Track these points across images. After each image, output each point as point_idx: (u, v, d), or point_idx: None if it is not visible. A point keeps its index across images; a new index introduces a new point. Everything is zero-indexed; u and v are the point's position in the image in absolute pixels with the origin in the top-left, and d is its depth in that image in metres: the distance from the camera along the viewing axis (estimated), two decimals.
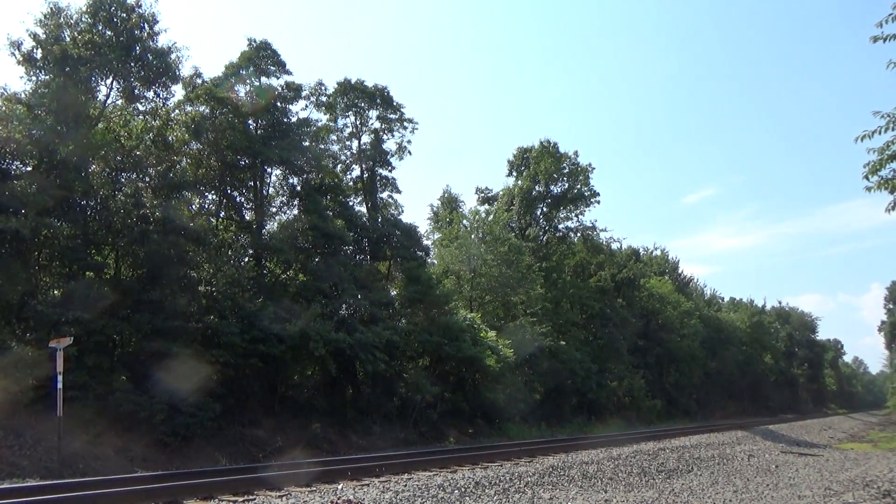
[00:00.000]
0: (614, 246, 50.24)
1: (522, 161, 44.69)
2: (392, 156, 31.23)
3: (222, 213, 24.95)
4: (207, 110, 23.28)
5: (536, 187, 43.26)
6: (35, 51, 19.53)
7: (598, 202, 43.87)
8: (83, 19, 20.18)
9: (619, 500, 11.63)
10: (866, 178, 10.86)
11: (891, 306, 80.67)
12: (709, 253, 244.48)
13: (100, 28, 20.25)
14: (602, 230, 46.45)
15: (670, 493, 12.77)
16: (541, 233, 43.76)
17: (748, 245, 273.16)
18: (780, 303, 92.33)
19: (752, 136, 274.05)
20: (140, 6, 20.88)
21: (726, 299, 79.65)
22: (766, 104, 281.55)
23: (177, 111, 22.88)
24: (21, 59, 19.47)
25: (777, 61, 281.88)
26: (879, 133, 10.47)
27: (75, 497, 9.18)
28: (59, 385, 13.92)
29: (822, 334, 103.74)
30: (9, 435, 14.52)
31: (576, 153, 43.86)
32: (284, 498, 10.00)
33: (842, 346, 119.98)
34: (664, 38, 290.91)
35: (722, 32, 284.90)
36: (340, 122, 30.60)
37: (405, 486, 11.30)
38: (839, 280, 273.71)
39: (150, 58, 20.94)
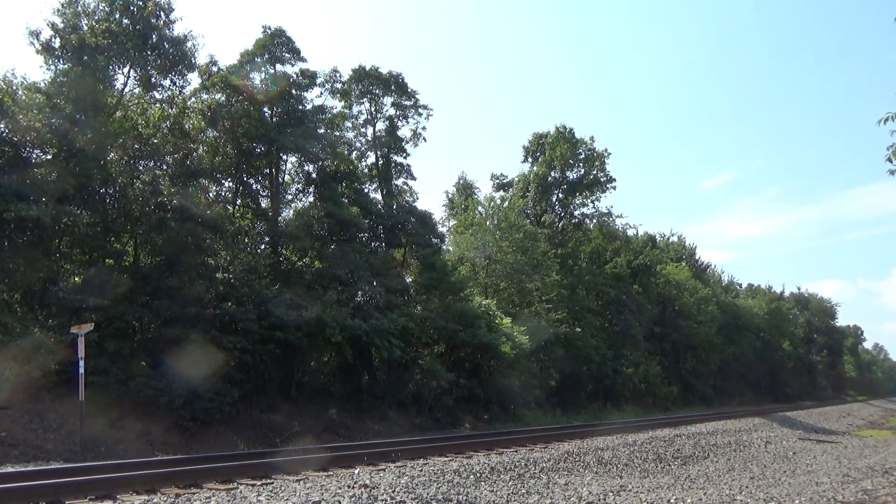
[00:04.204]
0: (630, 232, 49.90)
1: (538, 147, 44.41)
2: (407, 142, 31.18)
3: (238, 201, 25.14)
4: (223, 98, 23.38)
5: (552, 173, 42.97)
6: (53, 40, 19.73)
7: (615, 188, 43.65)
8: (100, 8, 20.37)
9: (635, 486, 11.62)
10: (889, 160, 10.66)
11: None
12: (726, 239, 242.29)
13: (116, 17, 20.41)
14: (618, 216, 46.33)
15: (686, 480, 12.75)
16: (556, 219, 43.54)
17: (766, 230, 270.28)
18: (798, 289, 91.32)
19: (772, 118, 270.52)
20: None
21: (744, 285, 78.91)
22: (785, 86, 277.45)
23: (193, 99, 23.03)
24: (40, 48, 19.69)
25: (796, 42, 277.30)
26: None
27: (98, 480, 9.34)
28: (81, 370, 14.15)
29: (842, 320, 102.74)
30: (32, 419, 14.82)
31: (591, 138, 43.58)
32: (302, 482, 10.11)
33: (862, 332, 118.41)
34: (680, 21, 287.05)
35: (739, 14, 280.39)
36: (355, 108, 30.59)
37: (421, 471, 11.38)
38: (860, 265, 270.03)
39: (167, 46, 21.07)
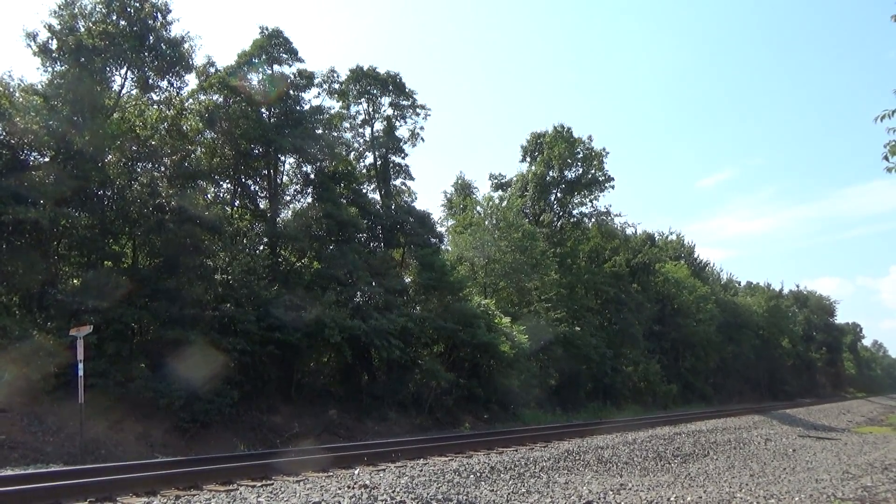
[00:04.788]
0: (629, 231, 50.01)
1: (536, 146, 44.45)
2: (405, 143, 31.24)
3: (237, 202, 25.13)
4: (221, 99, 23.37)
5: (550, 173, 43.02)
6: (50, 42, 19.72)
7: (613, 187, 43.80)
8: (97, 10, 20.33)
9: (635, 484, 11.62)
10: (886, 158, 10.66)
11: None
12: (725, 237, 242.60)
13: (113, 18, 20.39)
14: (616, 215, 46.54)
15: (686, 478, 12.74)
16: (555, 218, 43.59)
17: (765, 228, 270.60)
18: (797, 286, 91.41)
19: (770, 117, 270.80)
20: None
21: (743, 283, 79.00)
22: (783, 84, 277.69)
23: (191, 100, 23.01)
24: (37, 50, 19.67)
25: (794, 41, 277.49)
26: None
27: (98, 482, 9.34)
28: (81, 372, 14.13)
29: (841, 318, 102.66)
30: (32, 421, 14.80)
31: (590, 138, 43.68)
32: (302, 483, 10.10)
33: (861, 329, 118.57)
34: (678, 20, 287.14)
35: (738, 13, 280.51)
36: (353, 109, 30.64)
37: (421, 470, 11.37)
38: (858, 263, 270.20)
39: (164, 47, 21.05)
